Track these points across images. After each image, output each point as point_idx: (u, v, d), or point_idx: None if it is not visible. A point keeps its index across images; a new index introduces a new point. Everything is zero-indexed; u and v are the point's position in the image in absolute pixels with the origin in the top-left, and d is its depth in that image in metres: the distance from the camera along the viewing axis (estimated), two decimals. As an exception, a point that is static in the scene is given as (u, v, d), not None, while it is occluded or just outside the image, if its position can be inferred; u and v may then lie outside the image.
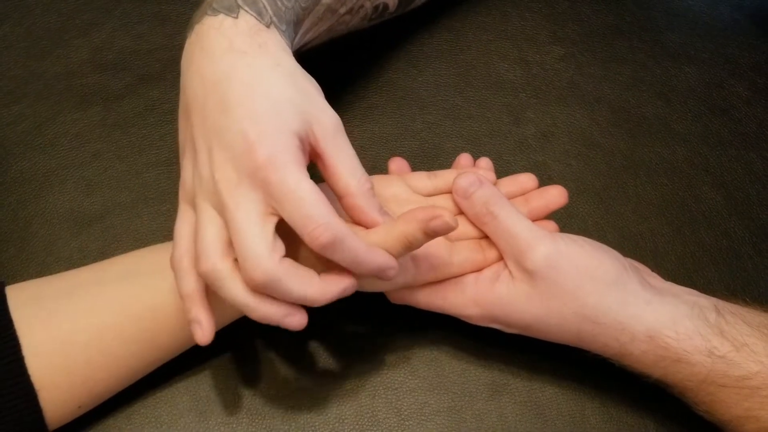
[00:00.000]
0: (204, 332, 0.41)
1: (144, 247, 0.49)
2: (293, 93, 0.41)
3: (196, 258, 0.40)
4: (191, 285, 0.41)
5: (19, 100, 0.61)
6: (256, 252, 0.38)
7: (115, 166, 0.58)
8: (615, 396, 0.48)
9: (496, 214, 0.45)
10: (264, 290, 0.39)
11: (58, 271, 0.52)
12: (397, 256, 0.42)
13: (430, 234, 0.42)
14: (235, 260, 0.40)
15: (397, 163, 0.52)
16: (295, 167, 0.39)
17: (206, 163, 0.40)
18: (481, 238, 0.48)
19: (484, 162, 0.52)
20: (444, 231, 0.42)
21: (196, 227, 0.41)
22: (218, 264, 0.39)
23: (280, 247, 0.39)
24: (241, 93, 0.40)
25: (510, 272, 0.45)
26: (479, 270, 0.47)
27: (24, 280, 0.47)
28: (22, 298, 0.44)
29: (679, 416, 0.46)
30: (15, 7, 0.66)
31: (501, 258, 0.47)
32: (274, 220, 0.39)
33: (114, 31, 0.65)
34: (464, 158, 0.53)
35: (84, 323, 0.43)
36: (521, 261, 0.44)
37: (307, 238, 0.38)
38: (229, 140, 0.39)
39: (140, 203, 0.56)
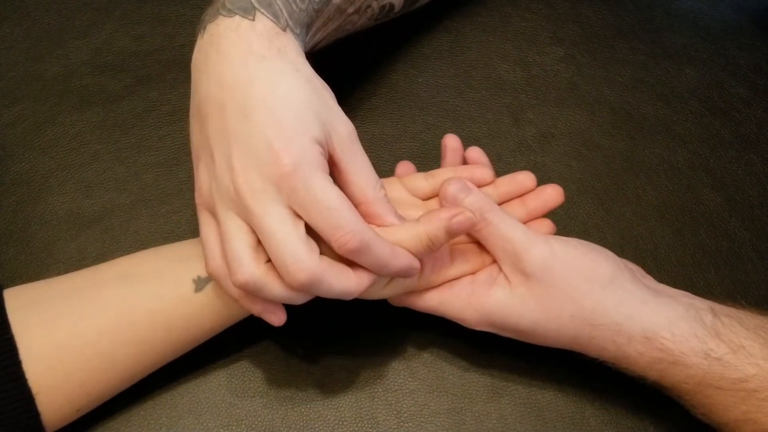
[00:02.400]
0: (278, 316, 0.42)
1: (143, 248, 0.49)
2: (313, 99, 0.41)
3: (231, 270, 0.40)
4: None
5: (18, 101, 0.61)
6: (297, 256, 0.38)
7: (115, 167, 0.58)
8: (615, 398, 0.48)
9: (490, 219, 0.45)
10: (306, 290, 0.39)
11: (58, 273, 0.52)
12: (417, 256, 0.43)
13: (452, 232, 0.43)
14: (267, 261, 0.40)
15: (403, 168, 0.52)
16: (320, 174, 0.39)
17: (225, 170, 0.40)
18: (469, 243, 0.48)
19: (474, 152, 0.52)
20: (466, 227, 0.43)
21: (222, 237, 0.41)
22: (255, 272, 0.39)
23: (315, 246, 0.40)
24: (262, 98, 0.39)
25: (506, 277, 0.45)
26: (475, 272, 0.47)
27: (23, 281, 0.47)
28: (20, 301, 0.43)
29: (678, 418, 0.46)
30: (14, 8, 0.66)
31: (494, 261, 0.46)
32: (302, 222, 0.39)
33: (113, 32, 0.65)
34: (450, 139, 0.52)
35: (81, 327, 0.43)
36: (518, 264, 0.44)
37: (335, 245, 0.39)
38: (252, 147, 0.39)
39: (139, 204, 0.56)
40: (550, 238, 0.45)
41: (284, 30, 0.42)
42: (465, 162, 0.52)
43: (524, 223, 0.49)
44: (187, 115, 0.44)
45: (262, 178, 0.39)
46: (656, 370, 0.44)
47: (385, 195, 0.43)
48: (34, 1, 0.67)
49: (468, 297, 0.45)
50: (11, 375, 0.41)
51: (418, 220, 0.43)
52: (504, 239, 0.45)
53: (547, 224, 0.50)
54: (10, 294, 0.44)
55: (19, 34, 0.65)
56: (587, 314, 0.43)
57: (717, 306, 0.45)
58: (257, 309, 0.42)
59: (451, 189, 0.46)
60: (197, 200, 0.43)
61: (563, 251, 0.44)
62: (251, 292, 0.40)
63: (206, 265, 0.42)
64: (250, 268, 0.39)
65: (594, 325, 0.43)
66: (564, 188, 0.50)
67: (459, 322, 0.47)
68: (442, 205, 0.47)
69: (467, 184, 0.46)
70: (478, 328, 0.46)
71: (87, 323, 0.43)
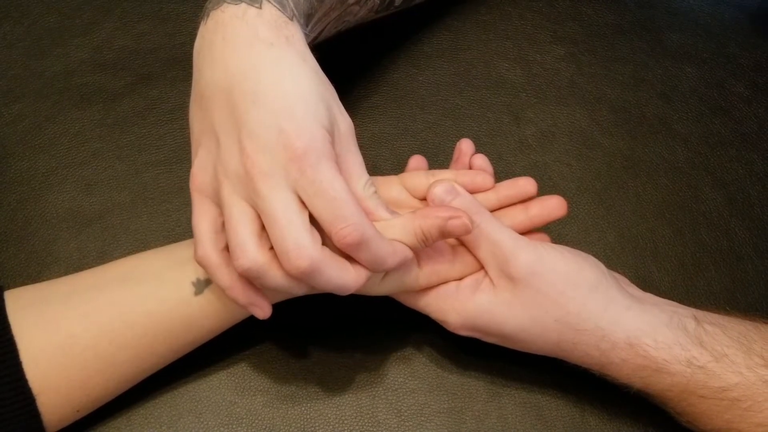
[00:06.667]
0: (264, 309, 0.43)
1: (143, 246, 0.49)
2: (321, 89, 0.41)
3: (233, 254, 0.40)
4: (230, 275, 0.41)
5: (18, 99, 0.61)
6: (299, 242, 0.38)
7: (115, 165, 0.58)
8: (615, 398, 0.48)
9: (478, 222, 0.45)
10: (305, 279, 0.39)
11: (58, 271, 0.52)
12: (410, 248, 0.43)
13: (446, 233, 0.42)
14: (270, 249, 0.40)
15: (415, 162, 0.52)
16: (329, 163, 0.39)
17: (235, 154, 0.39)
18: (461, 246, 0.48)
19: (480, 160, 0.51)
20: (461, 232, 0.43)
21: (227, 221, 0.40)
22: (259, 258, 0.39)
23: (318, 236, 0.39)
24: (272, 84, 0.39)
25: (491, 281, 0.45)
26: (465, 276, 0.47)
27: (23, 279, 0.47)
28: (20, 302, 0.44)
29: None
30: (15, 6, 0.66)
31: (481, 266, 0.46)
32: (307, 211, 0.39)
33: (114, 30, 0.65)
34: (465, 144, 0.52)
35: (81, 328, 0.43)
36: (505, 268, 0.44)
37: (335, 237, 0.39)
38: (262, 131, 0.38)
39: (140, 203, 0.56)
40: (537, 243, 0.45)
41: (291, 19, 0.42)
42: (470, 166, 0.52)
43: (526, 230, 0.49)
44: (188, 114, 0.44)
45: (273, 161, 0.38)
46: (640, 378, 0.44)
47: (375, 192, 0.43)
48: (35, -2, 0.67)
49: (452, 301, 0.45)
50: (12, 376, 0.41)
51: (414, 212, 0.43)
52: (491, 243, 0.45)
53: (545, 240, 0.50)
54: (10, 295, 0.44)
55: (20, 32, 0.65)
56: (572, 318, 0.43)
57: (700, 313, 0.45)
58: (244, 300, 0.42)
59: (438, 191, 0.46)
60: (192, 186, 0.42)
61: (550, 256, 0.44)
62: (252, 278, 0.40)
63: (195, 252, 0.42)
64: (252, 253, 0.39)
65: (578, 330, 0.44)
66: (564, 187, 0.49)
67: (443, 325, 0.47)
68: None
69: (455, 187, 0.46)
70: (461, 333, 0.46)
71: (87, 325, 0.43)
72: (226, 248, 0.41)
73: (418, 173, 0.50)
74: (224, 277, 0.41)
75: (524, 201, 0.50)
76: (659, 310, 0.45)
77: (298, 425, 0.48)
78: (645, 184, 0.60)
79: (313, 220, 0.39)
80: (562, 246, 0.46)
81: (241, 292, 0.42)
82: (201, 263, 0.42)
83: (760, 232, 0.58)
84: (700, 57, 0.67)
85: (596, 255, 0.47)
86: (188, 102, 0.44)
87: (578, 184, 0.59)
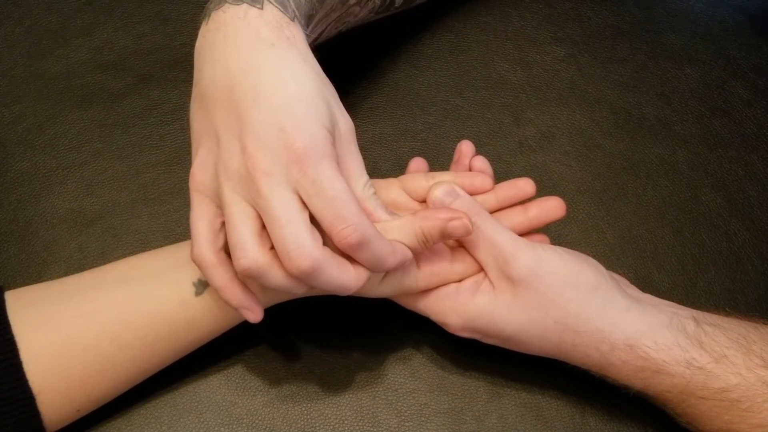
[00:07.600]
0: (255, 313, 0.42)
1: (144, 247, 0.49)
2: (322, 89, 0.41)
3: (234, 254, 0.39)
4: (224, 276, 0.41)
5: (19, 100, 0.61)
6: (300, 241, 0.38)
7: (115, 166, 0.58)
8: (615, 398, 0.48)
9: (478, 224, 0.45)
10: (306, 278, 0.39)
11: (58, 271, 0.52)
12: (411, 249, 0.43)
13: (446, 234, 0.43)
14: (271, 248, 0.39)
15: (416, 164, 0.52)
16: (330, 163, 0.39)
17: (236, 152, 0.39)
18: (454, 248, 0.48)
19: (479, 162, 0.51)
20: (461, 233, 0.43)
21: (227, 221, 0.40)
22: (259, 258, 0.39)
23: (318, 235, 0.39)
24: (273, 84, 0.39)
25: (491, 282, 0.45)
26: (464, 277, 0.47)
27: (24, 279, 0.47)
28: (20, 302, 0.44)
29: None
30: (16, 7, 0.66)
31: (481, 268, 0.46)
32: (307, 211, 0.39)
33: (115, 31, 0.65)
34: (466, 146, 0.52)
35: (81, 328, 0.43)
36: (505, 269, 0.44)
37: (335, 237, 0.39)
38: (263, 131, 0.38)
39: (140, 203, 0.56)
40: (536, 245, 0.45)
41: (292, 20, 0.42)
42: (470, 167, 0.52)
43: (525, 231, 0.49)
44: (189, 114, 0.44)
45: (274, 160, 0.38)
46: (639, 379, 0.44)
47: (374, 194, 0.43)
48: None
49: (452, 303, 0.46)
50: (12, 376, 0.41)
51: (414, 214, 0.43)
52: (491, 244, 0.45)
53: (544, 241, 0.50)
54: (10, 295, 0.44)
55: (21, 33, 0.65)
56: (571, 320, 0.44)
57: (700, 315, 0.45)
58: (236, 303, 0.42)
59: (438, 193, 0.46)
60: (192, 185, 0.42)
61: (549, 258, 0.44)
62: (253, 278, 0.40)
63: (191, 251, 0.42)
64: (253, 253, 0.39)
65: (577, 331, 0.44)
66: (564, 188, 0.49)
67: (442, 326, 0.47)
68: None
69: (455, 189, 0.46)
70: (461, 334, 0.46)
71: (87, 325, 0.43)
72: (224, 249, 0.42)
73: (417, 175, 0.50)
74: (218, 277, 0.41)
75: (523, 202, 0.50)
76: (659, 311, 0.45)
77: (298, 425, 0.48)
78: (645, 185, 0.60)
79: (314, 220, 0.40)
80: (561, 247, 0.46)
81: (233, 294, 0.42)
82: (196, 263, 0.42)
83: (759, 233, 0.58)
84: (700, 58, 0.67)
85: (596, 256, 0.47)
86: (189, 103, 0.44)
87: (578, 185, 0.59)
